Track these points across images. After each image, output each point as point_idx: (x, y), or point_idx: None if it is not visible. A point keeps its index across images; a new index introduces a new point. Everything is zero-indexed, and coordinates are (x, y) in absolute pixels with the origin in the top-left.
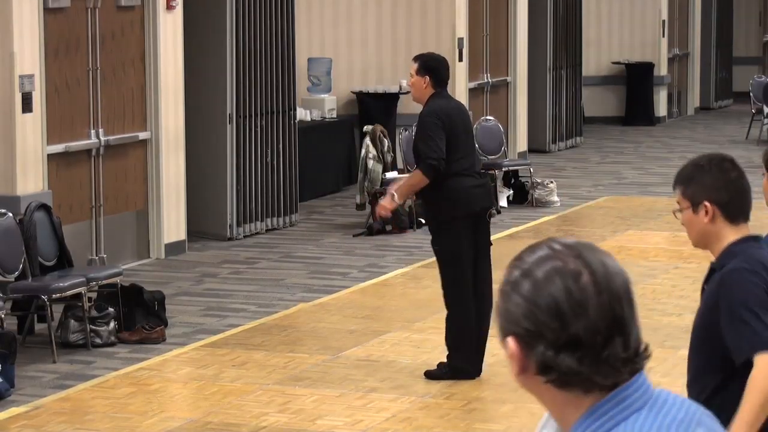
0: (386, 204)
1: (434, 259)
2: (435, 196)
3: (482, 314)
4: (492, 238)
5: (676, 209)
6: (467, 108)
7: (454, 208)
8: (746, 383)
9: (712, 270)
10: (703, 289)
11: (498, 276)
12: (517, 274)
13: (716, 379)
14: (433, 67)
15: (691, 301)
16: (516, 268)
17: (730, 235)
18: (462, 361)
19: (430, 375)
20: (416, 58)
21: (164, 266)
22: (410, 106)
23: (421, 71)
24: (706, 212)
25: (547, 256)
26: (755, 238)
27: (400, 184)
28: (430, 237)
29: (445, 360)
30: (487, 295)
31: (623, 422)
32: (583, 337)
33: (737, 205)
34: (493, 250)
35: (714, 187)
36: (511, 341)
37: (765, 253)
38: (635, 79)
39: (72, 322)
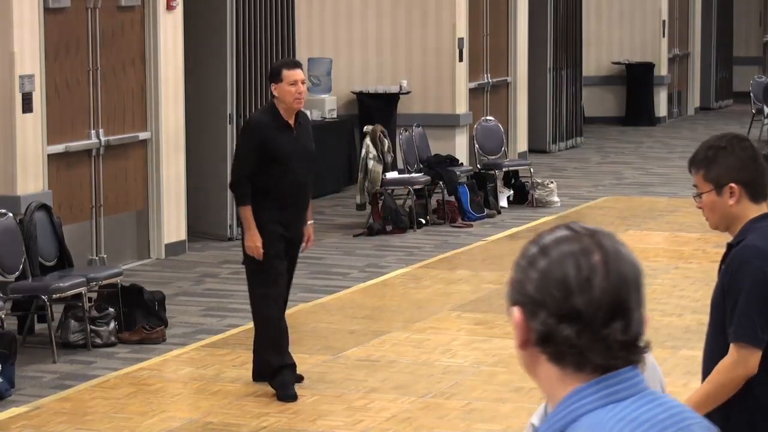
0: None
1: (433, 258)
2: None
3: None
4: (492, 238)
5: (696, 193)
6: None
7: None
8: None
9: (730, 247)
10: (720, 269)
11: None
12: (534, 251)
13: None
14: None
15: (691, 301)
16: (534, 244)
17: (751, 214)
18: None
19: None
20: (300, 64)
21: (164, 266)
22: (410, 106)
23: None
24: (732, 194)
25: (566, 236)
26: None
27: None
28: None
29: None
30: None
31: (599, 408)
32: (584, 310)
33: (759, 184)
34: (493, 249)
35: (738, 167)
36: (515, 310)
37: None
38: (635, 79)
39: (72, 322)
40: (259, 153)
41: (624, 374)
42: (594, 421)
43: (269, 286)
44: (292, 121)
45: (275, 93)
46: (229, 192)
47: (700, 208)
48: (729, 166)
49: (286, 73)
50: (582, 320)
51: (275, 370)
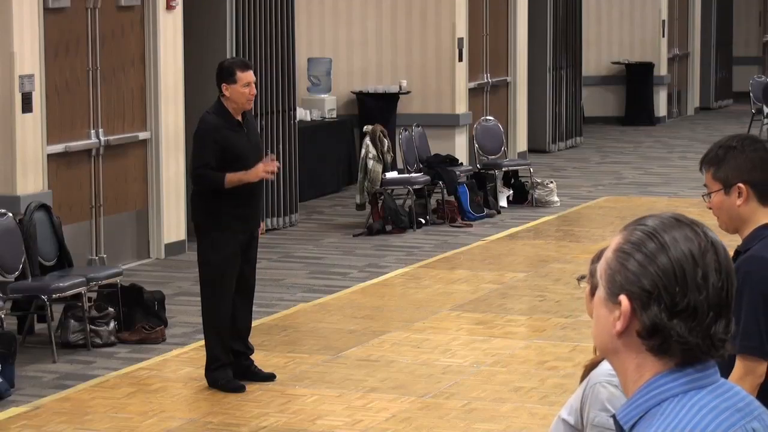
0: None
1: (433, 258)
2: None
3: None
4: (492, 238)
5: (705, 193)
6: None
7: None
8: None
9: (737, 253)
10: None
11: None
12: (640, 235)
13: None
14: None
15: None
16: (638, 230)
17: (762, 217)
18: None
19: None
20: (251, 66)
21: (164, 266)
22: (410, 106)
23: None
24: (740, 194)
25: (674, 224)
26: None
27: None
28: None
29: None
30: None
31: (681, 395)
32: (700, 309)
33: None
34: (492, 249)
35: (747, 168)
36: (624, 299)
37: None
38: (635, 79)
39: (72, 322)
40: (217, 155)
41: (705, 363)
42: (678, 407)
43: (220, 296)
44: (240, 119)
45: (226, 93)
46: None
47: (709, 208)
48: (739, 165)
49: (240, 74)
50: (697, 318)
51: (221, 364)
